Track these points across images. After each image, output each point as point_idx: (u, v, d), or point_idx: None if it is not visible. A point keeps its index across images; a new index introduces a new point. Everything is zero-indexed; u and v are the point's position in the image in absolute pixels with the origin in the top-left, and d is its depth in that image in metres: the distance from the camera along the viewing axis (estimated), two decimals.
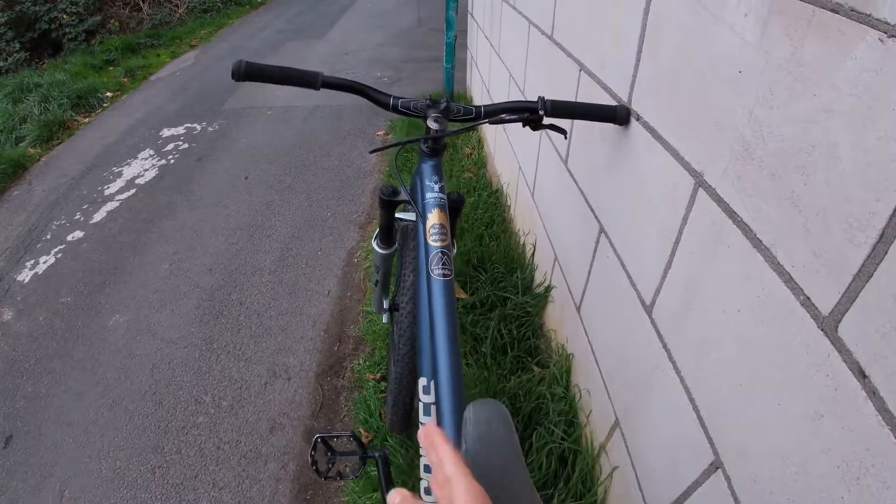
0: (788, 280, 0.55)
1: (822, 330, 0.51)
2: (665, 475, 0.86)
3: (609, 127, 0.97)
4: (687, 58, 0.71)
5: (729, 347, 0.68)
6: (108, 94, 4.66)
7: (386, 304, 1.40)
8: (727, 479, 0.68)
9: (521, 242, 1.91)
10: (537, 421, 1.32)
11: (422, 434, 0.47)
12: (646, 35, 0.83)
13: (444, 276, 0.77)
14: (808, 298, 0.53)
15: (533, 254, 1.76)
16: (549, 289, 1.55)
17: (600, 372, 1.13)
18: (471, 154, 2.89)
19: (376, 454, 0.85)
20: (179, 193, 3.05)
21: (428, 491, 0.73)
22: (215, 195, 3.00)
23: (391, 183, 1.23)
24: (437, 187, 0.85)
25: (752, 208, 0.62)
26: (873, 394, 0.45)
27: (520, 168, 1.93)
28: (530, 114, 0.87)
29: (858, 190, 0.46)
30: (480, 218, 2.23)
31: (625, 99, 0.92)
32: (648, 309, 0.89)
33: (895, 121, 0.42)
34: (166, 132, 3.90)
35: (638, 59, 0.86)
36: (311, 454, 0.82)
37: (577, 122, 1.20)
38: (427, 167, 0.88)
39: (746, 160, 0.62)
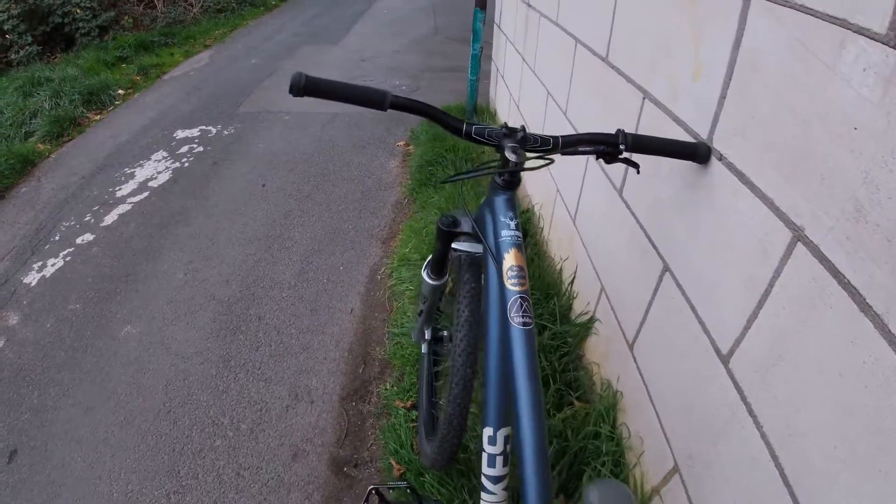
0: None
1: None
2: None
3: (681, 163, 0.97)
4: (789, 105, 0.72)
5: (825, 409, 0.67)
6: (121, 91, 4.71)
7: (428, 335, 1.40)
8: None
9: (558, 268, 1.91)
10: (582, 460, 1.31)
11: None
12: (734, 73, 0.84)
13: (525, 324, 0.76)
14: None
15: (572, 281, 1.76)
16: (592, 320, 1.55)
17: (657, 415, 1.12)
18: None
19: None
20: (194, 199, 3.07)
21: None
22: (231, 202, 3.02)
23: (450, 211, 1.23)
24: (512, 224, 0.85)
25: (862, 271, 0.61)
26: None
27: (558, 191, 1.94)
28: (608, 147, 0.87)
29: None
30: None
31: (703, 136, 0.92)
32: (725, 358, 0.89)
33: None
34: (180, 133, 3.93)
35: (723, 97, 0.86)
36: None
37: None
38: (501, 201, 0.88)
39: (859, 221, 0.61)
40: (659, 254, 1.10)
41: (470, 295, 1.09)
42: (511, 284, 0.80)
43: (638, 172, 0.90)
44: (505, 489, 0.83)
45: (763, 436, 0.80)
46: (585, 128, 1.61)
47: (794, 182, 0.72)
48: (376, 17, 7.50)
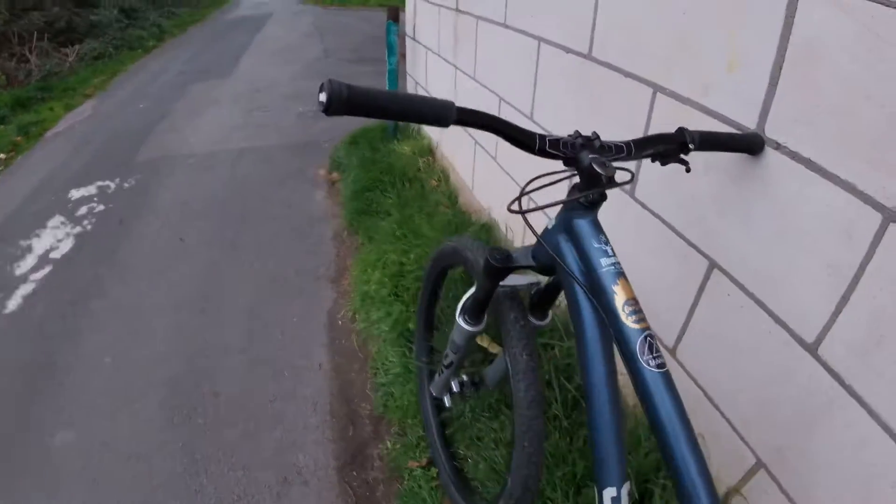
0: None
1: None
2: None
3: (720, 156, 1.02)
4: (864, 94, 0.78)
5: None
6: (2, 156, 4.27)
7: (456, 387, 1.31)
8: None
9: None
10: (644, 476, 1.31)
11: None
12: (785, 62, 0.89)
13: (661, 366, 0.73)
14: None
15: None
16: None
17: (722, 415, 1.16)
18: (438, 185, 2.89)
19: None
20: (105, 266, 2.72)
21: None
22: (149, 264, 2.71)
23: (497, 245, 1.17)
24: (609, 250, 0.83)
25: None
26: None
27: (532, 200, 1.96)
28: (675, 147, 0.88)
29: None
30: None
31: (750, 126, 0.97)
32: (811, 347, 0.93)
33: None
34: (76, 193, 3.54)
35: (773, 86, 0.91)
36: None
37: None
38: (585, 224, 0.85)
39: None
40: (701, 252, 1.15)
41: (526, 336, 1.04)
42: (632, 322, 0.76)
43: (687, 171, 0.91)
44: None
45: (872, 413, 0.84)
46: (563, 130, 1.64)
47: (880, 166, 0.78)
48: (262, 47, 7.39)
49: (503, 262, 1.00)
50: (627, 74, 1.31)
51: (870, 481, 0.86)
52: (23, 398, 2.02)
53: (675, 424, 0.69)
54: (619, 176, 0.79)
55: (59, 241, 3.03)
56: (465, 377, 1.33)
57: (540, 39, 1.73)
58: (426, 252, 2.21)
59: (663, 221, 1.26)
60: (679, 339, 1.27)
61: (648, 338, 0.75)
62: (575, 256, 0.86)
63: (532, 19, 1.79)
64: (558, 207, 0.90)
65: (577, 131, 0.82)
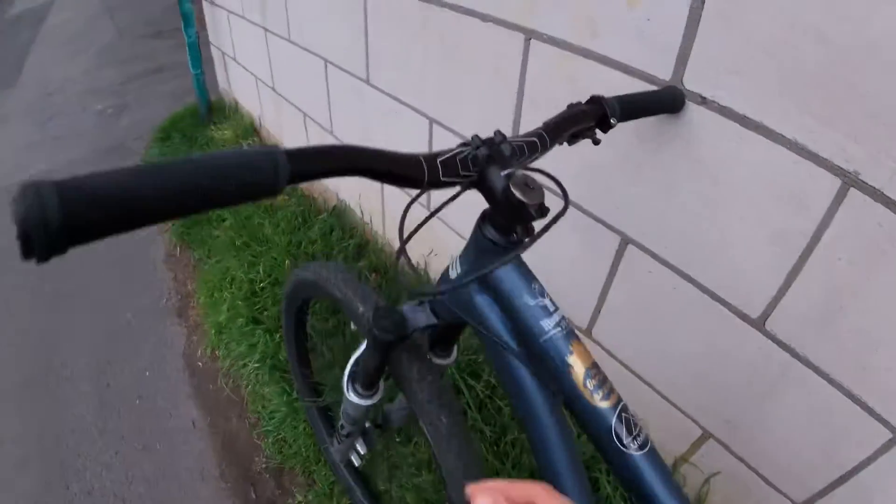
0: None
1: None
2: (809, 468, 0.86)
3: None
4: (816, 32, 0.60)
5: None
6: None
7: (361, 448, 1.02)
8: None
9: (416, 263, 1.67)
10: None
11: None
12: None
13: (644, 444, 0.54)
14: None
15: None
16: None
17: (657, 392, 1.05)
18: None
19: None
20: None
21: None
22: None
23: (379, 299, 0.85)
24: (548, 304, 0.59)
25: None
26: None
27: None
28: (596, 123, 0.66)
29: None
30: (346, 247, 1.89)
31: (664, 78, 0.77)
32: (757, 322, 0.82)
33: None
34: None
35: (695, 24, 0.70)
36: None
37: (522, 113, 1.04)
38: (512, 274, 0.60)
39: None
40: (610, 227, 0.97)
41: (439, 394, 0.79)
42: (600, 399, 0.55)
43: (596, 143, 0.69)
44: None
45: (832, 382, 0.77)
46: (409, 94, 1.35)
47: (835, 123, 0.62)
48: (49, 40, 5.66)
49: (396, 331, 0.70)
50: (487, 18, 1.03)
51: (834, 440, 0.81)
52: None
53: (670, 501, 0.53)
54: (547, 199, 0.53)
55: None
56: (367, 425, 1.05)
57: None
58: (277, 261, 1.83)
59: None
60: (594, 319, 1.11)
61: (623, 413, 0.55)
62: (500, 316, 0.62)
63: None
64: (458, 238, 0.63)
65: (475, 136, 0.54)
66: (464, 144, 0.53)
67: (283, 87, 2.15)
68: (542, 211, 0.51)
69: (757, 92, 0.67)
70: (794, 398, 0.83)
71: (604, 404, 0.56)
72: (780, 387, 0.84)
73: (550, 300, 0.58)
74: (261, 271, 1.79)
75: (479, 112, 1.14)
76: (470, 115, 1.18)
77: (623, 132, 0.85)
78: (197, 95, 2.84)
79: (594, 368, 0.57)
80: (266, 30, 2.07)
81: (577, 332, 0.59)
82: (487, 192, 0.53)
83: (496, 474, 1.19)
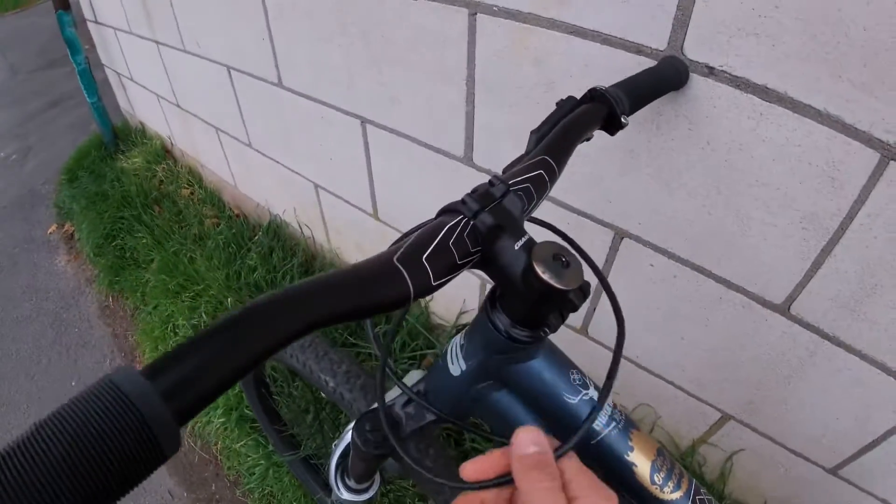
0: None
1: None
2: (839, 436, 0.80)
3: None
4: None
5: None
6: None
7: None
8: None
9: None
10: None
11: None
12: None
13: None
14: None
15: None
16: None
17: (669, 383, 0.95)
18: (192, 193, 2.13)
19: None
20: None
21: None
22: None
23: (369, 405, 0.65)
24: (592, 391, 0.44)
25: None
26: None
27: (317, 187, 1.45)
28: (605, 124, 0.50)
29: None
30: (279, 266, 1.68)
31: (659, 47, 0.61)
32: (781, 307, 0.72)
33: None
34: None
35: None
36: None
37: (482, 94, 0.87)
38: (546, 365, 0.43)
39: None
40: (599, 221, 0.84)
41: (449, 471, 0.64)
42: (671, 492, 0.42)
43: (588, 139, 0.53)
44: None
45: (865, 358, 0.69)
46: (331, 93, 1.14)
47: (876, 90, 0.50)
48: None
49: (376, 445, 0.54)
50: None
51: (866, 410, 0.74)
52: None
53: None
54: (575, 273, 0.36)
55: None
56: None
57: None
58: (217, 298, 1.59)
59: None
60: (588, 317, 0.99)
61: (697, 497, 0.44)
62: (528, 412, 0.47)
63: None
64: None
65: (465, 198, 0.35)
66: (449, 211, 0.35)
67: (188, 102, 1.85)
68: (585, 293, 0.35)
69: (779, 57, 0.53)
70: (823, 376, 0.75)
71: (676, 496, 0.43)
72: (807, 367, 0.76)
73: (595, 387, 0.44)
74: (203, 315, 1.55)
75: (423, 106, 0.96)
76: (412, 111, 0.99)
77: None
78: (98, 125, 2.45)
79: (659, 457, 0.43)
80: (158, 43, 1.75)
81: (635, 425, 0.44)
82: (498, 276, 0.36)
83: None
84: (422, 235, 0.32)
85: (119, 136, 2.51)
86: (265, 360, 0.25)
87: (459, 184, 1.01)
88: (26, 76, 4.33)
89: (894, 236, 0.57)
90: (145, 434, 0.19)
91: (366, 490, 0.67)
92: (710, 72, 0.58)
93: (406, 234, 0.34)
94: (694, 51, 0.58)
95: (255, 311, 0.24)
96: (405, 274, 0.30)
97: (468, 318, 1.28)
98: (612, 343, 0.98)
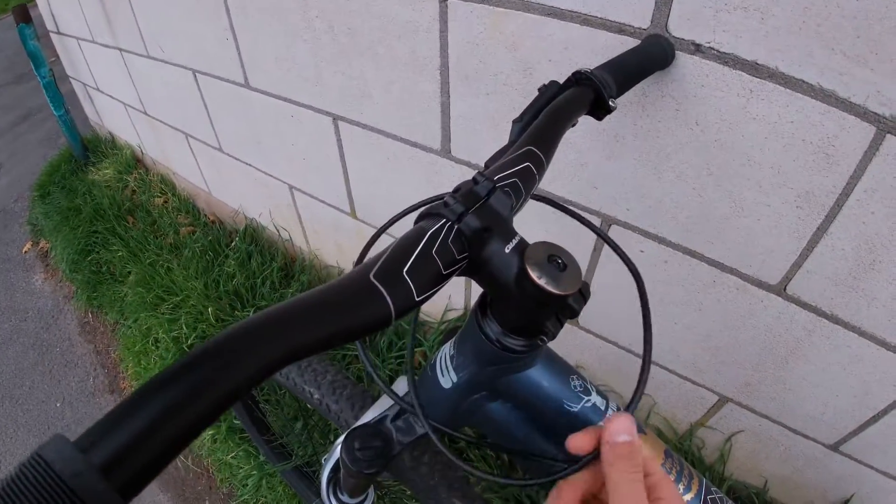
0: None
1: None
2: (839, 413, 0.78)
3: None
4: None
5: None
6: None
7: None
8: None
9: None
10: None
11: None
12: None
13: None
14: None
15: None
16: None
17: (664, 368, 0.93)
18: (166, 202, 2.05)
19: None
20: None
21: None
22: None
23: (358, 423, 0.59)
24: (598, 399, 0.41)
25: None
26: None
27: (291, 189, 1.39)
28: (591, 109, 0.46)
29: None
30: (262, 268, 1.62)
31: (642, 25, 0.57)
32: (777, 288, 0.69)
33: None
34: None
35: None
36: None
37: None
38: (545, 373, 0.40)
39: None
40: (585, 209, 0.80)
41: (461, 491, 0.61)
42: (682, 493, 0.40)
43: (600, 119, 0.49)
44: None
45: (864, 334, 0.67)
46: (301, 91, 1.09)
47: (871, 62, 0.47)
48: None
49: (382, 459, 0.49)
50: None
51: (866, 386, 0.73)
52: None
53: None
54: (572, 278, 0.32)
55: None
56: None
57: None
58: (197, 309, 1.53)
59: None
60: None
61: (709, 497, 0.42)
62: (526, 421, 0.43)
63: None
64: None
65: (447, 196, 0.30)
66: (430, 215, 0.30)
67: (155, 108, 1.77)
68: (585, 296, 0.31)
69: (769, 31, 0.50)
70: (822, 355, 0.73)
71: (687, 497, 0.40)
72: (805, 346, 0.73)
73: (597, 391, 0.40)
74: (184, 327, 1.49)
75: (396, 99, 0.91)
76: (385, 105, 0.94)
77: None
78: (67, 138, 2.34)
79: (668, 459, 0.40)
80: (121, 50, 1.67)
81: (640, 424, 0.41)
82: (489, 282, 0.32)
83: None
84: (400, 246, 0.28)
85: (89, 147, 2.40)
86: (227, 409, 0.21)
87: (438, 177, 0.97)
88: None
89: (892, 211, 0.55)
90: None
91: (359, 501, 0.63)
92: (696, 49, 0.54)
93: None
94: (679, 28, 0.54)
95: (208, 353, 0.20)
96: (383, 292, 0.25)
97: (454, 314, 1.24)
98: (610, 335, 0.95)
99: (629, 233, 0.78)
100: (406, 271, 0.27)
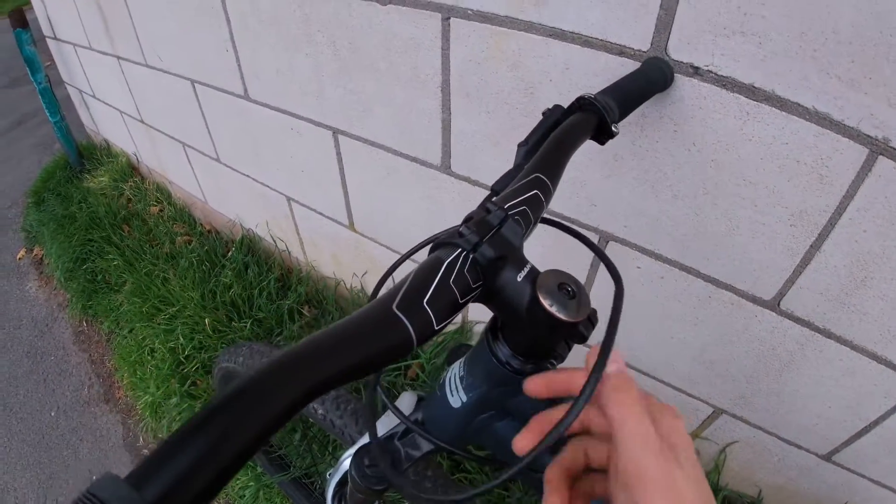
0: None
1: None
2: (832, 424, 0.79)
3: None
4: None
5: None
6: None
7: None
8: None
9: (350, 287, 1.44)
10: None
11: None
12: None
13: None
14: None
15: None
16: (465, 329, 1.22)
17: (658, 380, 0.93)
18: (161, 210, 2.03)
19: None
20: None
21: None
22: None
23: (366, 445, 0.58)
24: None
25: None
26: None
27: (289, 200, 1.39)
28: (595, 134, 0.47)
29: None
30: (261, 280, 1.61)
31: (642, 47, 0.58)
32: (771, 303, 0.70)
33: None
34: None
35: None
36: None
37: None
38: None
39: None
40: (584, 225, 0.81)
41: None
42: None
43: (604, 143, 0.50)
44: None
45: (856, 348, 0.69)
46: (301, 104, 1.09)
47: (865, 86, 0.48)
48: None
49: (389, 479, 0.49)
50: (386, 0, 0.78)
51: (859, 398, 0.74)
52: None
53: None
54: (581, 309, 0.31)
55: None
56: None
57: None
58: (194, 319, 1.51)
59: None
60: None
61: None
62: None
63: None
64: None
65: (463, 225, 0.31)
66: (445, 244, 0.31)
67: (153, 117, 1.76)
68: (593, 323, 0.32)
69: (766, 55, 0.51)
70: (815, 368, 0.74)
71: None
72: (798, 360, 0.74)
73: None
74: (180, 338, 1.47)
75: (397, 114, 0.91)
76: (386, 120, 0.94)
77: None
78: (62, 144, 2.32)
79: None
80: (118, 58, 1.66)
81: None
82: (501, 309, 0.32)
83: None
84: (419, 276, 0.29)
85: (84, 154, 2.39)
86: (265, 443, 0.22)
87: (437, 192, 0.97)
88: None
89: (883, 229, 0.56)
90: None
91: None
92: (695, 72, 0.55)
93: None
94: (678, 51, 0.55)
95: (245, 391, 0.21)
96: (406, 322, 0.26)
97: (452, 327, 1.25)
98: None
99: (626, 249, 0.78)
100: (426, 301, 0.27)
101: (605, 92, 0.48)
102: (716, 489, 1.00)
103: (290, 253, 1.60)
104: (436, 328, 0.28)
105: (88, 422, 1.64)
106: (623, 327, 0.88)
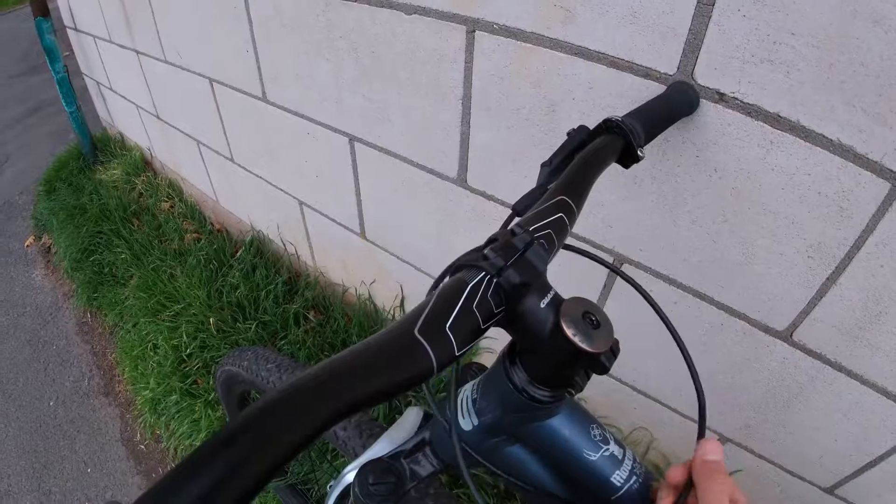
0: None
1: None
2: (837, 457, 0.78)
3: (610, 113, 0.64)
4: (869, 9, 0.43)
5: None
6: None
7: None
8: None
9: (358, 294, 1.44)
10: None
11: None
12: None
13: None
14: None
15: (402, 303, 1.33)
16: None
17: (666, 406, 0.92)
18: (172, 207, 2.04)
19: None
20: None
21: None
22: None
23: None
24: (616, 448, 0.40)
25: None
26: None
27: (301, 204, 1.39)
28: (620, 158, 0.47)
29: None
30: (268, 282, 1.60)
31: (669, 71, 0.58)
32: (783, 334, 0.69)
33: None
34: None
35: (712, 3, 0.52)
36: None
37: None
38: (566, 423, 0.39)
39: None
40: (599, 246, 0.81)
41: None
42: None
43: (628, 167, 0.50)
44: None
45: (865, 382, 0.68)
46: (318, 109, 1.09)
47: (886, 121, 0.48)
48: None
49: (394, 496, 0.48)
50: (411, 10, 0.79)
51: (865, 433, 0.73)
52: None
53: None
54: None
55: None
56: None
57: None
58: (199, 318, 1.51)
59: None
60: None
61: None
62: (543, 466, 0.43)
63: None
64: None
65: (487, 247, 0.30)
66: (468, 266, 0.30)
67: (169, 113, 1.77)
68: (615, 354, 0.31)
69: (793, 85, 0.51)
70: (823, 400, 0.73)
71: None
72: (807, 391, 0.73)
73: (615, 441, 0.40)
74: (184, 335, 1.47)
75: (415, 125, 0.92)
76: (404, 129, 0.94)
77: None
78: (77, 135, 2.34)
79: None
80: (138, 52, 1.68)
81: (651, 473, 0.41)
82: (523, 335, 0.32)
83: None
84: (442, 299, 0.28)
85: (98, 146, 2.40)
86: (283, 470, 0.22)
87: (452, 205, 0.97)
88: (6, 81, 4.16)
89: None
90: None
91: None
92: (720, 98, 0.55)
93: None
94: (705, 76, 0.55)
95: (263, 416, 0.20)
96: (427, 347, 0.25)
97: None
98: (613, 372, 0.95)
99: (641, 272, 0.78)
100: (449, 327, 0.27)
101: (631, 115, 0.48)
102: None
103: (298, 257, 1.60)
104: (456, 354, 0.27)
105: (87, 413, 1.63)
106: (632, 352, 0.88)
